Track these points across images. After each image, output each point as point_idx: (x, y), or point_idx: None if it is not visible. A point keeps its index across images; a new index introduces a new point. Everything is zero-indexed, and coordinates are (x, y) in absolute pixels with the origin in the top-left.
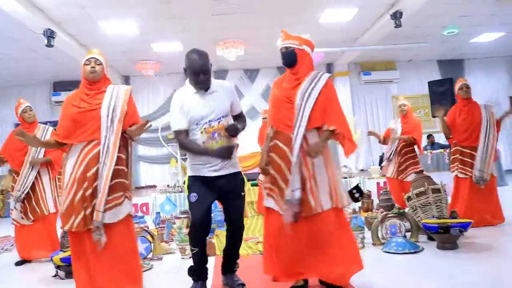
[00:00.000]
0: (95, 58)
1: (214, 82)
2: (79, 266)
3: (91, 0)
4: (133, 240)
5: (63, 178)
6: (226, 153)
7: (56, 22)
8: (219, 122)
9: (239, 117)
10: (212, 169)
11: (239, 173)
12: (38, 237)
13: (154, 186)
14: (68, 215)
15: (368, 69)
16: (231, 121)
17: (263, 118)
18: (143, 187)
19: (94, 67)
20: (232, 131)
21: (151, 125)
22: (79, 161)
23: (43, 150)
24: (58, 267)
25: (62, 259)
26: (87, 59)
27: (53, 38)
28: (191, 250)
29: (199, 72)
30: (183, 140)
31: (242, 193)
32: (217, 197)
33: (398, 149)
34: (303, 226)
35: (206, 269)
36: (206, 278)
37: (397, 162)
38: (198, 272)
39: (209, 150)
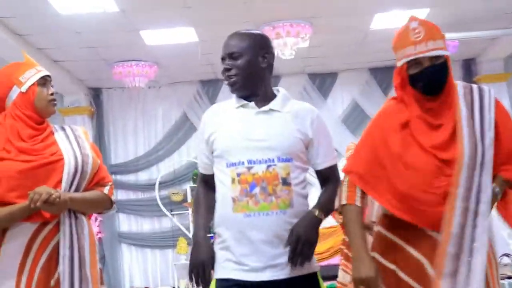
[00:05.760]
0: (50, 77)
1: (282, 98)
2: None
3: None
4: None
5: None
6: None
7: None
8: (269, 167)
9: (328, 181)
10: (253, 266)
11: (312, 276)
12: None
13: None
14: None
15: None
16: (303, 175)
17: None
18: None
19: (53, 96)
20: (299, 256)
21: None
22: (32, 255)
23: None
24: None
25: None
26: (41, 77)
27: None
28: None
29: (225, 56)
30: (196, 196)
31: None
32: None
33: None
34: None
35: None
36: None
37: None
38: None
39: (198, 235)
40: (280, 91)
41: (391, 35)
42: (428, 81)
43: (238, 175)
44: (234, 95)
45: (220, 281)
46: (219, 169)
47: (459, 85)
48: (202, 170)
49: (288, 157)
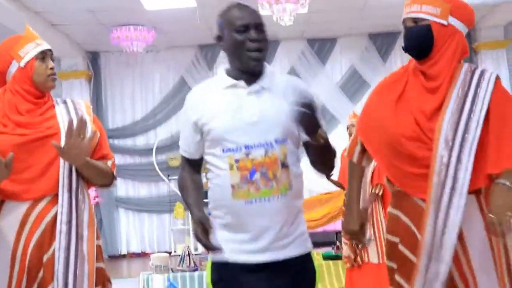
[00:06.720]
0: (51, 51)
1: (269, 74)
2: None
3: None
4: None
5: None
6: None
7: None
8: (266, 151)
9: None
10: (253, 247)
11: (308, 256)
12: None
13: (145, 255)
14: None
15: None
16: (297, 153)
17: (348, 127)
18: (123, 257)
19: (53, 70)
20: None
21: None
22: (26, 231)
23: None
24: None
25: None
26: (40, 52)
27: None
28: None
29: (249, 25)
30: (181, 180)
31: None
32: None
33: None
34: None
35: None
36: None
37: None
38: None
39: (195, 213)
40: (266, 66)
41: (391, 1)
42: (406, 41)
43: (237, 161)
44: (218, 73)
45: (215, 263)
46: (212, 154)
47: (464, 66)
48: (186, 155)
49: (284, 138)
